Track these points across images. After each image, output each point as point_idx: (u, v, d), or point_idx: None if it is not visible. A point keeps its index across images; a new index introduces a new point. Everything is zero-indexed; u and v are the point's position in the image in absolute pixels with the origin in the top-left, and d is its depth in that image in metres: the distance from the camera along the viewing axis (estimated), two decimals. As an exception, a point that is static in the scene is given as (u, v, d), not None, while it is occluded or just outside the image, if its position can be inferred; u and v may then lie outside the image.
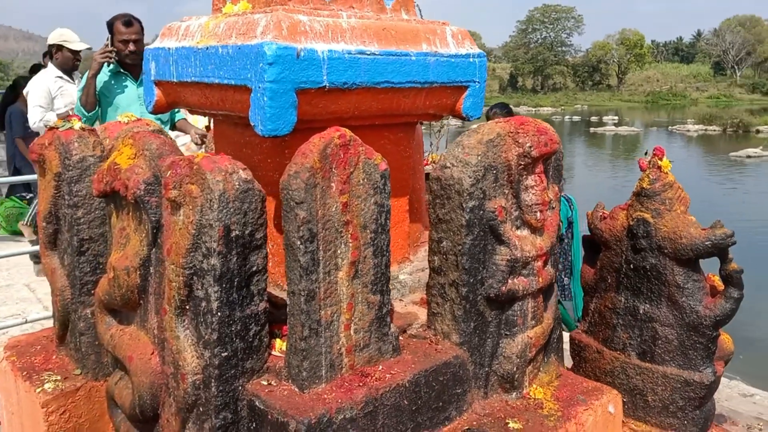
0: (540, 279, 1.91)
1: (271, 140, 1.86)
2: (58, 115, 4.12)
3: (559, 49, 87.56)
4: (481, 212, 1.79)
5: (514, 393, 1.95)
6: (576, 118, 47.78)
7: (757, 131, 36.20)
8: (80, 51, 4.50)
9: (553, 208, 1.93)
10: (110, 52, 3.51)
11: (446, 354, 1.81)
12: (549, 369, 2.06)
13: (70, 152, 2.09)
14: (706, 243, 1.97)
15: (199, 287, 1.55)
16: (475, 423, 1.82)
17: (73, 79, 4.54)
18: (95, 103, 3.60)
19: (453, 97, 2.10)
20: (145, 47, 2.23)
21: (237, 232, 1.53)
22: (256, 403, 1.59)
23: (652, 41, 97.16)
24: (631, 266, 2.15)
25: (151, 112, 2.27)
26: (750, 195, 15.41)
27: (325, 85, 1.75)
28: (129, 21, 3.54)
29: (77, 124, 2.16)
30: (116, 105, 3.65)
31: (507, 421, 1.83)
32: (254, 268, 1.59)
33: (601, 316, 2.29)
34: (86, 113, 3.57)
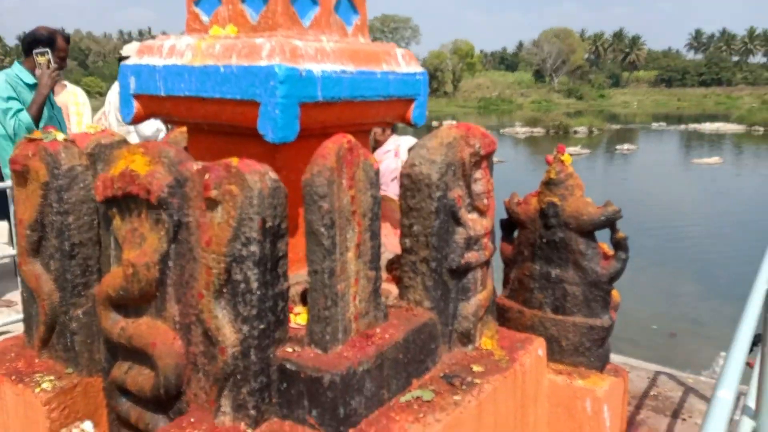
0: (486, 252, 2.40)
1: (263, 147, 2.16)
2: None
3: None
4: (445, 200, 2.24)
5: (470, 346, 2.42)
6: (419, 123, 50.26)
7: (575, 132, 40.60)
8: None
9: (492, 195, 2.42)
10: (57, 69, 3.54)
11: (423, 317, 2.23)
12: (491, 326, 2.56)
13: (58, 162, 2.22)
14: (602, 218, 2.59)
15: (238, 272, 1.83)
16: (447, 370, 2.26)
17: None
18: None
19: (404, 107, 2.52)
20: (123, 63, 2.40)
21: (270, 224, 1.83)
22: (287, 366, 1.90)
23: (481, 51, 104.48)
24: (544, 240, 2.72)
25: (128, 123, 2.44)
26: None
27: (319, 99, 2.10)
28: (68, 37, 3.56)
29: (60, 136, 2.29)
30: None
31: (471, 366, 2.29)
32: (280, 254, 1.90)
33: (520, 282, 2.84)
34: (34, 127, 3.54)
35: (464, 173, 2.29)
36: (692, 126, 46.07)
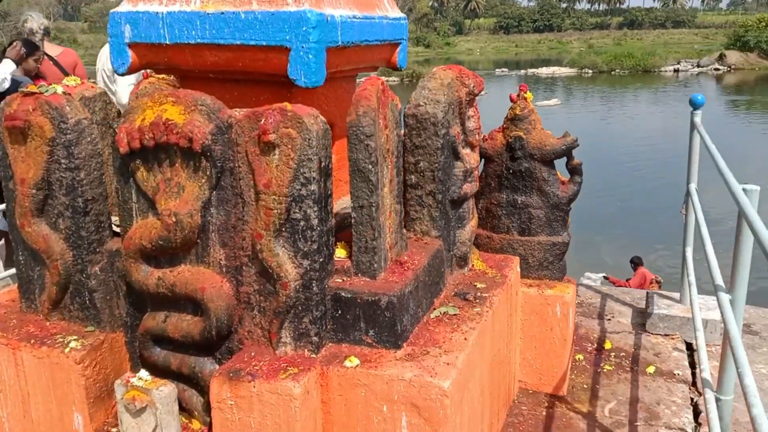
0: (477, 183, 2.67)
1: (275, 93, 2.24)
2: None
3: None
4: (448, 137, 2.46)
5: (466, 268, 2.71)
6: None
7: (429, 78, 41.48)
8: None
9: (481, 131, 2.68)
10: None
11: (434, 245, 2.46)
12: (475, 250, 2.86)
13: (65, 116, 2.14)
14: (563, 147, 2.95)
15: (297, 210, 1.94)
16: (456, 289, 2.53)
17: None
18: None
19: (391, 51, 2.67)
20: (113, 11, 2.30)
21: (324, 164, 1.95)
22: (342, 294, 2.06)
23: None
24: (510, 171, 3.04)
25: (122, 74, 2.36)
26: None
27: (339, 44, 2.20)
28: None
29: (59, 88, 2.19)
30: None
31: (474, 284, 2.58)
32: (329, 192, 2.03)
33: (488, 211, 3.15)
34: None
35: (460, 111, 2.52)
36: (531, 71, 49.29)
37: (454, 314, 2.31)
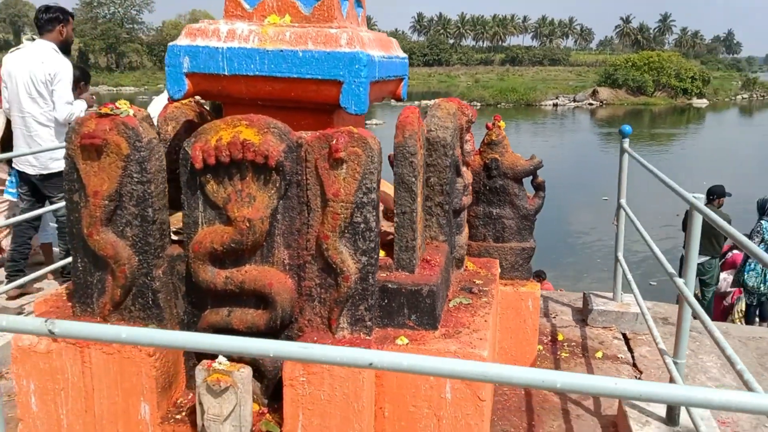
0: (471, 196, 3.18)
1: (316, 118, 2.65)
2: None
3: (131, 26, 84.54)
4: (454, 157, 2.95)
5: (462, 268, 3.19)
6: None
7: (329, 107, 42.09)
8: None
9: (472, 153, 3.20)
10: None
11: (443, 248, 2.93)
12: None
13: (140, 135, 2.43)
14: (531, 167, 3.53)
15: (359, 215, 2.35)
16: (461, 285, 3.00)
17: None
18: None
19: (398, 85, 3.14)
20: (171, 44, 2.61)
21: (380, 176, 2.38)
22: (389, 285, 2.47)
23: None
24: (487, 188, 3.58)
25: (178, 99, 2.66)
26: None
27: (377, 79, 2.64)
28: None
29: (131, 110, 2.47)
30: None
31: (474, 280, 3.07)
32: (378, 200, 2.44)
33: (467, 222, 3.66)
34: None
35: (461, 136, 3.03)
36: (424, 102, 51.50)
37: (468, 303, 2.78)
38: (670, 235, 12.33)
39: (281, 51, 2.52)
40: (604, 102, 49.68)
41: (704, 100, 51.42)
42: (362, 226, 2.36)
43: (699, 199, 2.61)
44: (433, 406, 2.39)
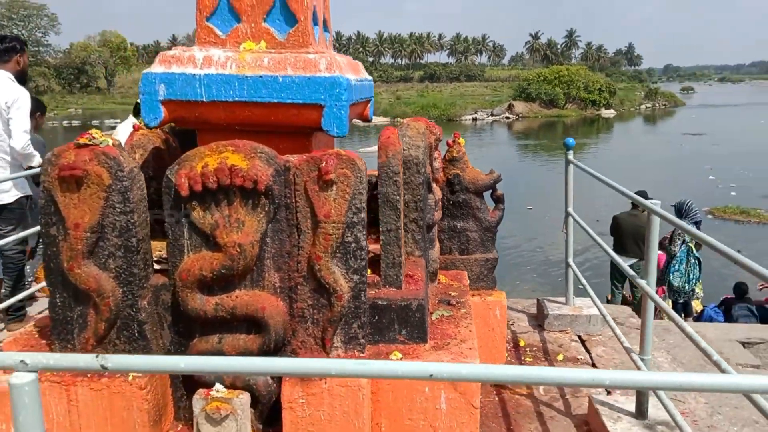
0: (441, 212, 3.29)
1: (293, 141, 2.69)
2: None
3: (36, 48, 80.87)
4: (426, 174, 3.05)
5: (436, 281, 3.29)
6: (75, 122, 46.24)
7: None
8: None
9: (441, 170, 3.31)
10: None
11: (420, 262, 3.02)
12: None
13: (121, 165, 2.39)
14: (491, 182, 3.69)
15: (349, 234, 2.40)
16: (438, 297, 3.10)
17: None
18: None
19: (365, 107, 3.22)
20: (146, 71, 2.58)
21: (367, 196, 2.44)
22: (379, 302, 2.53)
23: (132, 44, 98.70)
24: (451, 202, 3.71)
25: (153, 127, 2.63)
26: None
27: (353, 102, 2.71)
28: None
29: (109, 140, 2.43)
30: None
31: (450, 293, 3.17)
32: (366, 219, 2.51)
33: (431, 237, 3.77)
34: None
35: (430, 154, 3.14)
36: (354, 120, 51.90)
37: (449, 315, 2.87)
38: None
39: (260, 77, 2.55)
40: (520, 115, 51.62)
41: (612, 111, 54.34)
42: (353, 245, 2.41)
43: (656, 205, 2.82)
44: (428, 417, 2.46)
